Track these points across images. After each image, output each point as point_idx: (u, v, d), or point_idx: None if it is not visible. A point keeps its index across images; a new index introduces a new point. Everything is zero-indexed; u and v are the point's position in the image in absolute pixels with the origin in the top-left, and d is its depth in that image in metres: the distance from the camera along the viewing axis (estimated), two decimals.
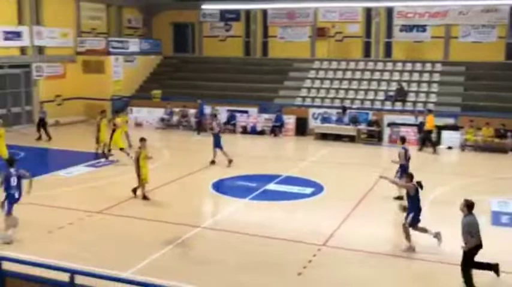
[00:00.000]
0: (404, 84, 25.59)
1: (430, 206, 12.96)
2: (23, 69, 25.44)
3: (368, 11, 28.83)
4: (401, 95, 24.92)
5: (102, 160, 18.54)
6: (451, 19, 27.01)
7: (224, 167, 17.69)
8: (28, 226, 11.92)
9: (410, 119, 22.92)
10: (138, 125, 26.60)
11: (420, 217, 10.64)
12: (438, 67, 26.75)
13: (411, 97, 25.09)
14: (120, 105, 26.20)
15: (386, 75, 27.02)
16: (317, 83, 27.54)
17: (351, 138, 23.06)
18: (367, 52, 29.11)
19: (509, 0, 25.48)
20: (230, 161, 17.89)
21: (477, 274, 9.05)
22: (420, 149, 21.01)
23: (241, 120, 25.35)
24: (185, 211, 13.30)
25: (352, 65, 28.16)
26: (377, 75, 27.18)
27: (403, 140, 14.95)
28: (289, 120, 24.70)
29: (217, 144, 18.04)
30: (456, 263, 9.20)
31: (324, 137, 23.36)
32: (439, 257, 10.21)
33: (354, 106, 24.97)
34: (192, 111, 25.80)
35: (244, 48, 31.80)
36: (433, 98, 24.89)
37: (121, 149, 18.35)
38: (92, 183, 15.61)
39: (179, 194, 14.99)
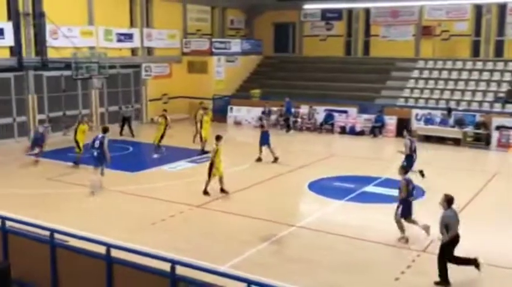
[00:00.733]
0: None
1: None
2: (133, 69, 27.00)
3: (478, 8, 27.35)
4: None
5: (204, 156, 19.16)
6: None
7: (321, 167, 17.60)
8: (134, 216, 12.69)
9: None
10: (237, 123, 27.23)
11: (412, 210, 10.98)
12: None
13: None
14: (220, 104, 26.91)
15: (496, 76, 25.48)
16: (421, 83, 26.59)
17: (456, 141, 21.97)
18: (475, 51, 27.65)
19: None
20: (276, 159, 18.00)
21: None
22: None
23: (339, 120, 25.08)
24: (281, 209, 13.40)
25: (459, 64, 26.87)
26: (486, 75, 25.71)
27: (409, 131, 16.20)
28: (391, 121, 24.04)
29: (265, 141, 18.18)
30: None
31: (427, 139, 22.46)
32: None
33: (459, 108, 23.78)
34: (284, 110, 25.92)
35: (345, 47, 31.46)
36: None
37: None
38: (192, 178, 16.16)
39: (276, 192, 15.12)
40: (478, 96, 24.63)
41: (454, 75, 26.41)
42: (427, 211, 13.34)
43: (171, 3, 28.31)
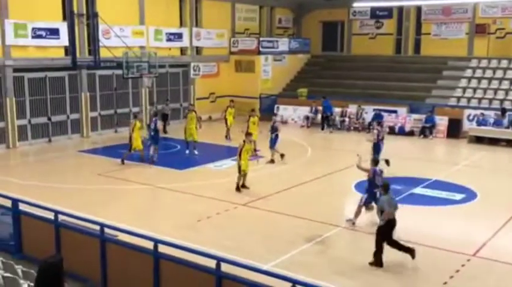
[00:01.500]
0: None
1: None
2: (182, 69, 27.40)
3: None
4: None
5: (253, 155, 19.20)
6: None
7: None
8: (181, 213, 12.89)
9: None
10: (284, 123, 27.15)
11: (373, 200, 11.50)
12: None
13: None
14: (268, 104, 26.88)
15: None
16: (474, 83, 25.81)
17: (510, 143, 21.20)
18: None
19: None
20: (282, 156, 18.12)
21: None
22: None
23: (388, 120, 24.63)
24: (326, 209, 13.29)
25: None
26: None
27: (379, 123, 18.56)
28: (442, 122, 23.43)
29: (274, 143, 18.13)
30: None
31: (479, 140, 21.79)
32: None
33: None
34: (337, 109, 25.69)
35: (395, 46, 30.91)
36: None
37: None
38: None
39: (321, 192, 15.01)
40: None
41: (510, 74, 25.51)
42: (478, 214, 12.98)
43: (220, 2, 28.56)
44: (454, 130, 23.15)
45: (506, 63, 26.11)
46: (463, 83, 26.05)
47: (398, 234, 11.30)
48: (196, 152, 19.46)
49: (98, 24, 21.89)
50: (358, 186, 15.33)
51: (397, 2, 29.07)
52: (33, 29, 20.44)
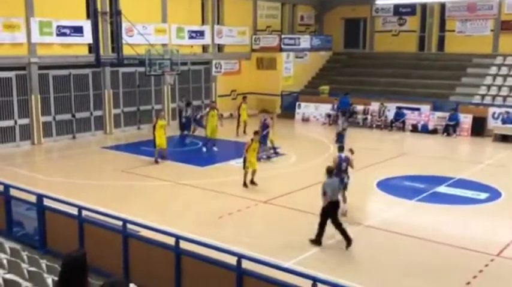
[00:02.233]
0: None
1: None
2: (204, 66, 27.50)
3: None
4: None
5: (271, 152, 19.22)
6: None
7: (390, 166, 17.22)
8: (202, 209, 12.95)
9: None
10: (305, 120, 27.11)
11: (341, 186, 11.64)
12: None
13: None
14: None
15: None
16: (499, 80, 25.37)
17: None
18: None
19: None
20: (274, 149, 18.63)
21: None
22: None
23: (411, 117, 24.39)
24: (349, 207, 13.21)
25: None
26: None
27: (344, 113, 21.34)
28: (466, 120, 23.08)
29: (264, 140, 18.02)
30: None
31: (505, 138, 21.42)
32: None
33: None
34: (359, 107, 25.50)
35: (418, 43, 30.55)
36: None
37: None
38: (259, 173, 16.27)
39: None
40: None
41: None
42: (502, 213, 12.78)
43: (241, 0, 28.58)
44: (479, 128, 22.79)
45: None
46: (488, 80, 25.63)
47: (419, 232, 11.21)
48: (215, 149, 19.53)
49: (121, 22, 22.12)
50: (381, 184, 15.24)
51: None
52: (57, 26, 20.73)
